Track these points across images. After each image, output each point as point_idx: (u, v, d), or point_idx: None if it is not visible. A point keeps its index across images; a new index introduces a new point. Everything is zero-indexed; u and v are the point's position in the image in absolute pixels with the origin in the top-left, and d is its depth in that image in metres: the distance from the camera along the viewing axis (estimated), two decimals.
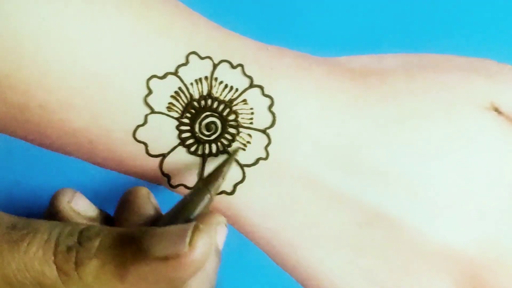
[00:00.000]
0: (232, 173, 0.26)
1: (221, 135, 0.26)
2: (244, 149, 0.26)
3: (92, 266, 0.21)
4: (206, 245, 0.21)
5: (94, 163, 0.26)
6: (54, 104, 0.24)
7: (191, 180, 0.26)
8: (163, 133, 0.25)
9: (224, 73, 0.26)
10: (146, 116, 0.25)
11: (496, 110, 0.27)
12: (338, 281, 0.26)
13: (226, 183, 0.26)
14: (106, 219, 0.26)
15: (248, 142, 0.26)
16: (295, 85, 0.26)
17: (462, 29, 0.35)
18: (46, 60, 0.23)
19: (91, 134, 0.25)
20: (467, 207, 0.26)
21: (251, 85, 0.26)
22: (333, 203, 0.26)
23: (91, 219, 0.26)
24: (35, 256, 0.21)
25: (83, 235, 0.22)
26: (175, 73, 0.25)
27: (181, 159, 0.26)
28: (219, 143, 0.26)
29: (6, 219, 0.23)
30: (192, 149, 0.26)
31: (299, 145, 0.26)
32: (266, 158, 0.26)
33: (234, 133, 0.26)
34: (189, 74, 0.25)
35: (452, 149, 0.26)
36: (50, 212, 0.26)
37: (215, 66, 0.26)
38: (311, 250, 0.26)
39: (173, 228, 0.21)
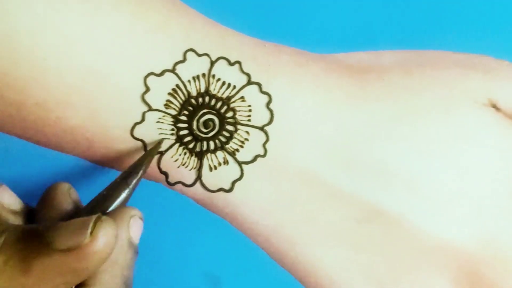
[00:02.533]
0: (230, 170, 0.26)
1: (218, 133, 0.26)
2: (237, 148, 0.26)
3: None
4: (109, 235, 0.21)
5: (91, 161, 0.26)
6: (51, 102, 0.24)
7: (189, 177, 0.26)
8: (161, 130, 0.25)
9: (222, 70, 0.26)
10: (143, 113, 0.25)
11: (494, 106, 0.27)
12: (336, 277, 0.26)
13: (224, 180, 0.26)
14: (30, 213, 0.26)
15: (246, 139, 0.26)
16: (292, 82, 0.26)
17: (460, 25, 0.35)
18: (42, 58, 0.23)
19: (88, 132, 0.25)
20: (465, 203, 0.26)
21: (249, 82, 0.26)
22: (332, 200, 0.26)
23: (14, 212, 0.26)
24: None
25: None
26: (173, 70, 0.25)
27: (179, 157, 0.26)
28: (217, 141, 0.26)
29: None
30: (190, 146, 0.26)
31: (297, 142, 0.26)
32: (264, 155, 0.26)
33: (232, 130, 0.26)
34: (186, 71, 0.25)
35: (450, 145, 0.26)
36: None
37: (212, 63, 0.26)
38: (310, 247, 0.26)
39: (76, 221, 0.22)
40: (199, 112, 0.26)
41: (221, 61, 0.26)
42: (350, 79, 0.27)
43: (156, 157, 0.26)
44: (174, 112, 0.25)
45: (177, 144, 0.26)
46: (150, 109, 0.25)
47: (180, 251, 0.37)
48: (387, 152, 0.26)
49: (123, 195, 0.24)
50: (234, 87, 0.26)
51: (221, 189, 0.26)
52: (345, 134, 0.26)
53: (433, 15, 0.35)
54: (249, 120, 0.26)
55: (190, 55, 0.25)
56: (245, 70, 0.26)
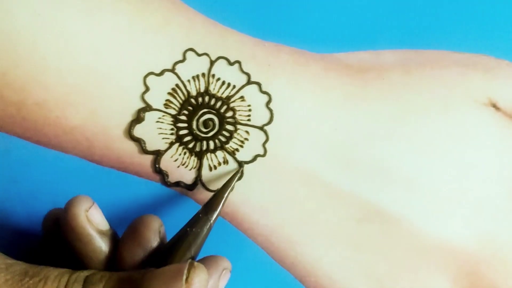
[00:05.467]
0: (230, 170, 0.26)
1: (218, 132, 0.26)
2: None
3: None
4: (202, 282, 0.22)
5: (91, 161, 0.26)
6: (51, 102, 0.24)
7: (188, 177, 0.26)
8: (160, 130, 0.25)
9: (222, 70, 0.26)
10: (143, 113, 0.25)
11: (494, 105, 0.27)
12: (336, 277, 0.26)
13: (224, 181, 0.26)
14: (113, 236, 0.27)
15: (246, 139, 0.26)
16: (292, 81, 0.26)
17: (460, 25, 0.35)
18: (42, 58, 0.23)
19: (88, 132, 0.25)
20: (465, 202, 0.26)
21: (249, 82, 0.26)
22: (331, 199, 0.26)
23: (101, 232, 0.26)
24: None
25: (87, 281, 0.23)
26: (172, 70, 0.25)
27: (178, 156, 0.26)
28: (216, 140, 0.26)
29: (18, 268, 0.24)
30: (190, 146, 0.26)
31: (296, 142, 0.26)
32: (264, 155, 0.26)
33: (231, 130, 0.26)
34: (186, 71, 0.25)
35: (449, 144, 0.26)
36: (64, 216, 0.26)
37: (212, 62, 0.26)
38: (310, 246, 0.26)
39: (170, 268, 0.23)
40: (199, 111, 0.26)
41: (220, 60, 0.26)
42: (349, 78, 0.27)
43: (155, 157, 0.26)
44: (173, 112, 0.25)
45: (177, 144, 0.26)
46: (150, 108, 0.25)
47: None
48: (387, 151, 0.26)
49: (205, 231, 0.25)
50: (234, 86, 0.26)
51: None
52: (344, 133, 0.26)
53: (433, 15, 0.35)
54: (249, 120, 0.26)
55: (189, 54, 0.25)
56: (245, 69, 0.26)
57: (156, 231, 0.26)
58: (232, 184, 0.25)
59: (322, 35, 0.34)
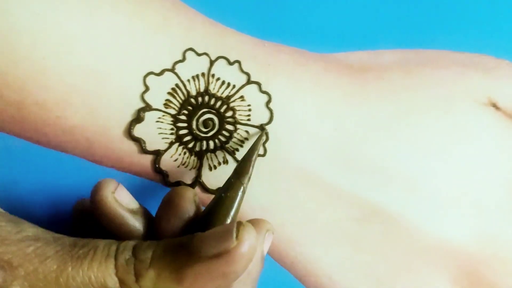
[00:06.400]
0: (230, 170, 0.26)
1: (218, 132, 0.26)
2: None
3: (149, 276, 0.22)
4: (252, 239, 0.22)
5: (91, 161, 0.26)
6: (50, 102, 0.24)
7: (188, 177, 0.26)
8: (160, 130, 0.25)
9: (221, 70, 0.26)
10: (143, 113, 0.25)
11: (494, 105, 0.27)
12: (336, 277, 0.26)
13: (224, 180, 0.26)
14: (145, 214, 0.27)
15: (246, 138, 0.26)
16: (292, 81, 0.26)
17: (459, 24, 0.35)
18: (42, 58, 0.23)
19: (88, 132, 0.25)
20: (465, 202, 0.26)
21: (249, 82, 0.26)
22: (331, 199, 0.26)
23: (132, 211, 0.26)
24: (98, 270, 0.23)
25: (136, 249, 0.23)
26: (172, 70, 0.25)
27: (178, 156, 0.26)
28: (216, 140, 0.26)
29: (66, 240, 0.24)
30: (190, 146, 0.26)
31: (296, 142, 0.26)
32: (263, 155, 0.26)
33: (231, 130, 0.26)
34: (186, 70, 0.25)
35: (450, 144, 0.26)
36: (92, 202, 0.26)
37: (212, 62, 0.26)
38: (310, 246, 0.26)
39: (218, 229, 0.23)
40: (199, 111, 0.26)
41: (220, 60, 0.26)
42: (349, 78, 0.27)
43: (155, 157, 0.26)
44: (173, 112, 0.25)
45: (177, 144, 0.26)
46: (150, 108, 0.25)
47: None
48: (387, 151, 0.26)
49: (240, 195, 0.24)
50: (234, 86, 0.26)
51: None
52: (344, 133, 0.26)
53: (433, 15, 0.35)
54: (248, 120, 0.26)
55: (189, 54, 0.25)
56: (245, 69, 0.26)
57: (191, 200, 0.26)
58: (258, 147, 0.25)
59: (322, 35, 0.34)
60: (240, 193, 0.24)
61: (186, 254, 0.22)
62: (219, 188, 0.26)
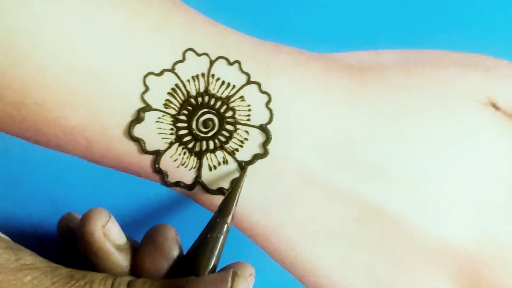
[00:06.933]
0: (230, 170, 0.26)
1: (218, 132, 0.26)
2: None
3: None
4: None
5: (91, 161, 0.26)
6: (50, 102, 0.24)
7: (188, 177, 0.26)
8: (160, 130, 0.25)
9: (221, 70, 0.26)
10: (143, 113, 0.25)
11: (494, 105, 0.27)
12: (336, 277, 0.26)
13: (223, 180, 0.26)
14: (131, 249, 0.27)
15: (246, 138, 0.26)
16: (292, 81, 0.26)
17: (459, 24, 0.35)
18: (41, 58, 0.23)
19: (87, 132, 0.25)
20: (465, 202, 0.26)
21: (248, 82, 0.26)
22: (331, 199, 0.26)
23: (119, 247, 0.27)
24: None
25: (131, 285, 0.24)
26: (172, 70, 0.25)
27: (178, 156, 0.26)
28: (216, 140, 0.26)
29: (63, 271, 0.24)
30: (189, 146, 0.26)
31: (296, 142, 0.26)
32: (264, 155, 0.26)
33: (231, 130, 0.26)
34: (186, 70, 0.25)
35: (449, 144, 0.26)
36: (80, 230, 0.26)
37: (212, 62, 0.26)
38: (310, 246, 0.26)
39: (214, 276, 0.24)
40: (199, 111, 0.26)
41: (220, 60, 0.26)
42: (349, 78, 0.27)
43: (154, 156, 0.26)
44: (173, 112, 0.25)
45: (177, 144, 0.26)
46: (150, 108, 0.25)
47: None
48: (386, 151, 0.26)
49: (224, 234, 0.25)
50: (234, 86, 0.26)
51: (220, 189, 0.26)
52: (344, 133, 0.26)
53: (432, 14, 0.35)
54: (248, 120, 0.26)
55: (189, 54, 0.25)
56: (245, 69, 0.26)
57: (174, 240, 0.26)
58: (241, 185, 0.25)
59: (322, 35, 0.34)
60: (224, 233, 0.25)
61: None
62: (219, 189, 0.26)
